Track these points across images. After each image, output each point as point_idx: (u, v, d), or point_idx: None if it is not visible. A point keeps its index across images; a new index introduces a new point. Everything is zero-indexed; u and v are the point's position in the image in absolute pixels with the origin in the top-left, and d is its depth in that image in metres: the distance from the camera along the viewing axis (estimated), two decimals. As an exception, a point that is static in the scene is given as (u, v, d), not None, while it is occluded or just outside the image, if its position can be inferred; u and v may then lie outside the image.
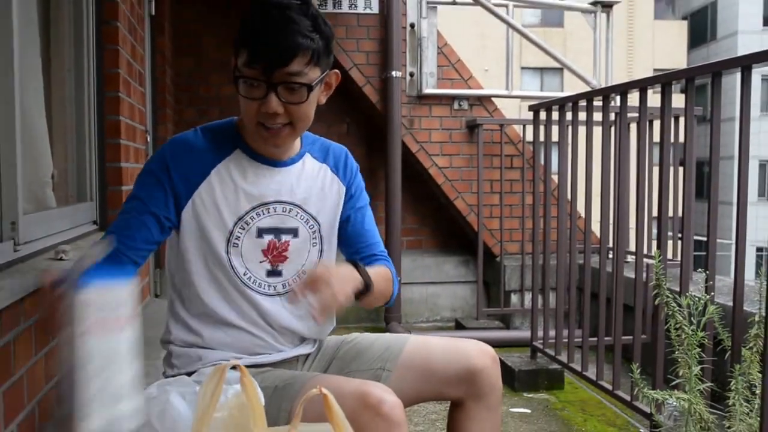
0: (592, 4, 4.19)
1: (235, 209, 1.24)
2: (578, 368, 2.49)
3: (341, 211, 1.36)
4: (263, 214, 1.26)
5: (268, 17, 1.15)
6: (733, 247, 1.81)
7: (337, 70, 1.26)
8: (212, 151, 1.25)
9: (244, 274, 1.26)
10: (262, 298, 1.28)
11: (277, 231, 1.28)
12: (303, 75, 1.16)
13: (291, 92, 1.17)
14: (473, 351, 1.29)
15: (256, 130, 1.21)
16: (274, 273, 1.28)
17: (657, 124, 2.48)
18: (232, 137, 1.27)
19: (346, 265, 1.22)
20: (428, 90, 3.96)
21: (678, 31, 20.07)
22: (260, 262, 1.27)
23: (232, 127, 1.28)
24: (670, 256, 3.22)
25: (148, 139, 2.98)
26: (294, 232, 1.30)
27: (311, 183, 1.32)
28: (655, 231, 2.16)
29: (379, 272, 1.30)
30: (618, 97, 2.29)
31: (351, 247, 1.38)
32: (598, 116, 2.46)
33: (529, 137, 3.38)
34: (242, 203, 1.25)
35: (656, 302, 1.76)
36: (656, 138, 2.24)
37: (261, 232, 1.27)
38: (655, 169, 2.25)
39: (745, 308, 1.71)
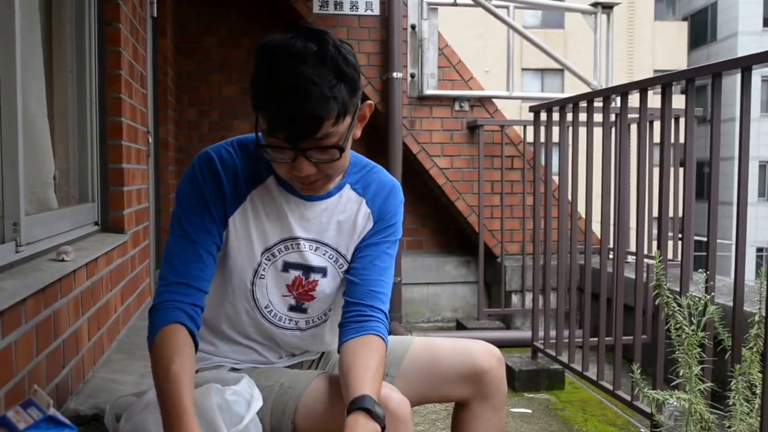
0: (593, 5, 4.19)
1: (264, 239, 1.20)
2: (579, 368, 2.49)
3: (361, 240, 1.25)
4: (291, 248, 1.21)
5: (284, 78, 1.01)
6: (733, 247, 1.81)
7: (370, 102, 1.17)
8: (247, 174, 1.18)
9: (266, 307, 1.23)
10: (279, 330, 1.25)
11: (305, 268, 1.22)
12: (332, 135, 1.06)
13: (322, 153, 1.07)
14: (479, 352, 1.28)
15: (291, 181, 1.14)
16: (297, 309, 1.25)
17: (657, 124, 2.49)
18: (267, 162, 1.16)
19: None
20: (429, 91, 3.96)
21: (678, 32, 20.06)
22: (284, 296, 1.23)
23: None
24: (670, 256, 3.22)
25: (150, 140, 2.98)
26: (323, 271, 1.23)
27: (343, 218, 1.23)
28: (655, 231, 2.16)
29: (377, 363, 1.12)
30: (618, 98, 2.29)
31: (354, 275, 1.23)
32: (598, 117, 2.46)
33: (530, 138, 3.38)
34: (271, 234, 1.19)
35: (656, 302, 1.75)
36: (656, 139, 2.24)
37: (287, 267, 1.21)
38: (656, 170, 2.25)
39: (745, 308, 1.71)
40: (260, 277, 1.21)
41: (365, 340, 1.15)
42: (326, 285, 1.24)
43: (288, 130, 1.04)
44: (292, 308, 1.24)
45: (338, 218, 1.23)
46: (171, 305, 1.10)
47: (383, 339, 1.18)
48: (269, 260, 1.21)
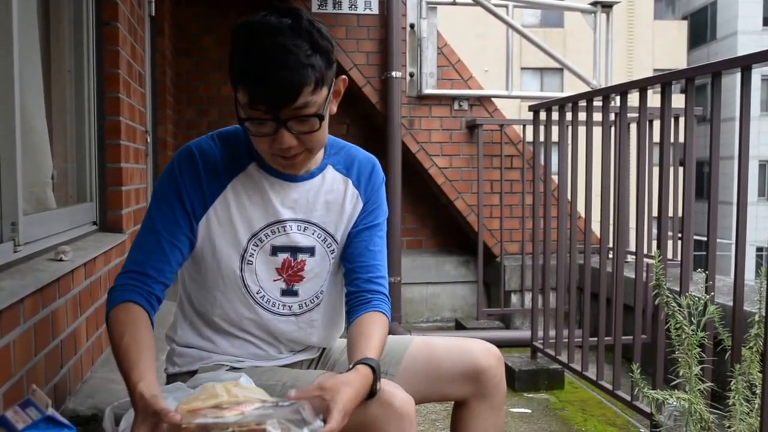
0: (592, 4, 4.19)
1: (249, 226, 1.21)
2: (578, 368, 2.49)
3: (352, 225, 1.29)
4: (278, 232, 1.22)
5: (261, 50, 1.04)
6: (733, 246, 1.81)
7: (344, 76, 1.20)
8: (228, 163, 1.20)
9: (258, 293, 1.24)
10: (275, 317, 1.26)
11: (292, 250, 1.24)
12: (311, 104, 1.08)
13: (302, 123, 1.10)
14: (479, 350, 1.28)
15: (272, 159, 1.16)
16: (289, 293, 1.26)
17: (657, 124, 2.48)
18: (247, 148, 1.21)
19: (358, 379, 1.04)
20: (428, 90, 3.96)
21: (678, 31, 20.06)
22: (275, 280, 1.24)
23: (247, 137, 1.19)
24: (670, 256, 3.22)
25: (148, 139, 2.98)
26: (310, 251, 1.25)
27: (330, 198, 1.26)
28: (655, 231, 2.16)
29: (381, 335, 1.18)
30: (618, 98, 2.29)
31: (350, 263, 1.28)
32: (598, 116, 2.46)
33: (529, 137, 3.38)
34: (256, 220, 1.21)
35: (656, 302, 1.75)
36: (656, 138, 2.24)
37: (275, 250, 1.23)
38: (655, 169, 2.25)
39: (745, 308, 1.71)
40: (248, 263, 1.22)
41: (368, 316, 1.22)
42: (314, 264, 1.26)
43: (268, 99, 1.06)
44: (284, 293, 1.25)
45: (326, 198, 1.26)
46: (127, 288, 1.14)
47: (385, 314, 1.24)
48: (257, 246, 1.22)
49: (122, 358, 1.05)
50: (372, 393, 1.06)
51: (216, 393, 0.97)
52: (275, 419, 0.90)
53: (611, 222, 2.37)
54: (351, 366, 1.08)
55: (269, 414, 0.93)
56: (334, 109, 1.18)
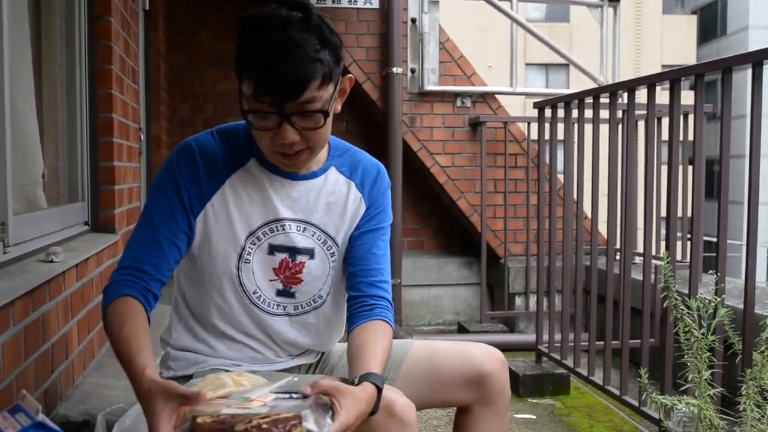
0: (599, -2, 4.14)
1: (248, 223, 1.19)
2: (585, 373, 2.46)
3: (354, 228, 1.27)
4: (277, 230, 1.21)
5: (269, 42, 1.04)
6: (744, 248, 1.80)
7: (351, 75, 1.19)
8: (227, 159, 1.19)
9: (254, 293, 1.22)
10: (269, 317, 1.24)
11: (291, 250, 1.22)
12: (317, 100, 1.07)
13: (306, 119, 1.09)
14: (482, 354, 1.27)
15: (273, 156, 1.15)
16: (285, 293, 1.24)
17: (666, 121, 2.45)
18: (247, 144, 1.20)
19: (366, 400, 1.01)
20: (430, 87, 3.92)
21: (687, 26, 20.00)
22: (271, 280, 1.22)
23: (248, 133, 1.19)
24: (679, 257, 3.18)
25: (142, 137, 2.95)
26: (310, 253, 1.23)
27: (332, 200, 1.24)
28: (663, 232, 2.13)
29: (385, 346, 1.16)
30: (625, 94, 2.29)
31: (352, 266, 1.26)
32: (605, 114, 2.44)
33: (534, 135, 3.34)
34: (255, 218, 1.19)
35: (665, 305, 1.73)
36: (665, 136, 2.21)
37: (273, 249, 1.21)
38: (664, 168, 2.23)
39: (756, 311, 1.71)
40: (245, 262, 1.20)
41: (371, 325, 1.19)
42: (314, 267, 1.24)
43: (274, 92, 1.05)
44: (279, 293, 1.24)
45: (327, 199, 1.24)
46: (124, 283, 1.12)
47: (389, 324, 1.21)
48: (254, 244, 1.20)
49: (124, 347, 1.03)
50: (373, 411, 1.04)
51: (224, 383, 0.97)
52: (308, 410, 0.90)
53: (618, 222, 2.34)
54: (357, 381, 1.05)
55: (298, 405, 0.93)
56: (339, 108, 1.17)
